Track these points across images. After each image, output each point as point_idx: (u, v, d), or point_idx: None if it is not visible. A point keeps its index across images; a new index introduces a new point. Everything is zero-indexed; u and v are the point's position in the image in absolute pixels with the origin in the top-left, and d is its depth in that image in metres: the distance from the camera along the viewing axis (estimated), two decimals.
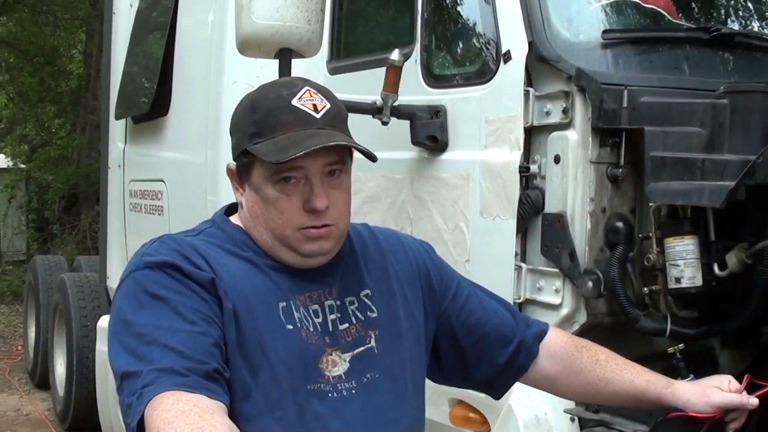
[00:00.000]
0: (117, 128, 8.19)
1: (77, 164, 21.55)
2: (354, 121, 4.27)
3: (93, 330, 8.03)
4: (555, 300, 3.56)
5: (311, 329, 2.34)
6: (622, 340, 3.54)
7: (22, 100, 23.83)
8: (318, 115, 2.29)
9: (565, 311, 3.54)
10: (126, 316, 2.21)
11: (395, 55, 3.84)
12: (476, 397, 3.96)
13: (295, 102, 2.29)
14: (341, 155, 2.34)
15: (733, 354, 3.59)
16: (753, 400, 2.62)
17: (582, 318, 3.50)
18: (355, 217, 4.27)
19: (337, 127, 2.33)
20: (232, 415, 2.15)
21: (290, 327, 2.30)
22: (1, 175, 22.72)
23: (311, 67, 4.81)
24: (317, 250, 2.36)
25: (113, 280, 7.73)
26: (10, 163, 24.70)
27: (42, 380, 10.44)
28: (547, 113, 3.58)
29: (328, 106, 2.33)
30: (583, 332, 3.47)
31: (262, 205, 2.33)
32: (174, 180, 6.76)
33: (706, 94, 3.47)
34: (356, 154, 2.40)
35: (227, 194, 2.61)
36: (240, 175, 2.39)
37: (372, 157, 2.39)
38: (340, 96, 4.02)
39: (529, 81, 3.66)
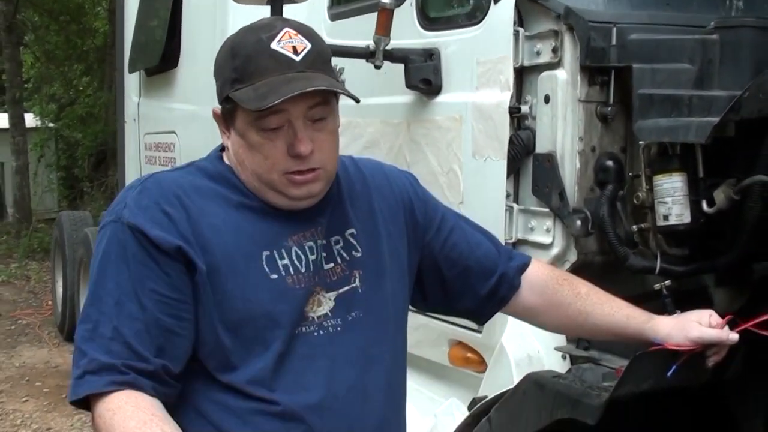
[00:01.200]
0: (131, 82, 8.26)
1: (105, 121, 21.66)
2: (352, 66, 4.32)
3: None
4: (546, 239, 3.57)
5: (303, 270, 2.36)
6: (614, 279, 3.52)
7: (48, 60, 23.92)
8: (298, 58, 2.27)
9: (556, 250, 3.54)
10: (98, 268, 2.28)
11: None
12: (473, 337, 3.99)
13: (274, 45, 2.26)
14: (324, 97, 2.31)
15: (728, 292, 3.56)
16: (733, 336, 2.62)
17: (573, 257, 3.50)
18: None
19: (318, 68, 2.30)
20: (213, 373, 2.27)
21: (274, 276, 2.32)
22: (30, 134, 22.81)
23: (312, 14, 4.84)
24: (305, 194, 2.35)
25: None
26: (39, 123, 24.83)
27: (70, 333, 10.49)
28: (537, 53, 3.56)
29: (309, 47, 2.30)
30: (575, 272, 3.45)
31: (248, 150, 2.32)
32: (185, 132, 6.81)
33: (696, 30, 3.44)
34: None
35: None
36: (225, 119, 2.38)
37: (354, 98, 2.40)
38: (341, 41, 4.07)
39: (521, 21, 3.63)
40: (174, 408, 2.24)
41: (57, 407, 8.69)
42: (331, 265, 2.43)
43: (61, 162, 25.94)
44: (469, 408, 3.48)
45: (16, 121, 21.16)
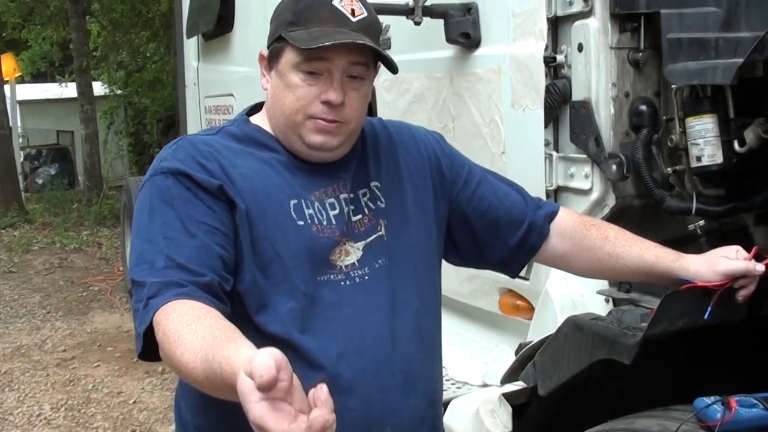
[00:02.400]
0: (190, 47, 8.39)
1: (172, 86, 21.78)
2: (396, 23, 4.40)
3: None
4: (585, 185, 3.63)
5: (324, 223, 2.48)
6: (654, 222, 3.60)
7: (114, 28, 24.07)
8: (354, 19, 2.43)
9: (595, 195, 3.60)
10: (142, 220, 2.38)
11: None
12: (522, 285, 4.08)
13: (336, 2, 2.43)
14: (366, 60, 2.47)
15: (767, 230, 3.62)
16: (760, 267, 2.68)
17: (611, 201, 3.56)
18: (404, 116, 4.42)
19: (368, 35, 2.44)
20: (248, 313, 2.36)
21: (301, 223, 2.44)
22: (99, 102, 23.05)
23: None
24: (322, 143, 2.48)
25: None
26: (107, 90, 25.04)
27: None
28: (570, 3, 3.61)
29: (365, 14, 2.47)
30: (614, 216, 3.55)
31: (284, 90, 2.45)
32: (243, 94, 6.93)
33: None
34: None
35: None
36: (270, 60, 2.52)
37: (394, 68, 2.54)
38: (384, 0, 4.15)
39: None
40: None
41: (128, 371, 8.93)
42: (359, 216, 2.56)
43: (130, 129, 26.22)
44: (516, 353, 3.56)
45: (85, 89, 21.40)
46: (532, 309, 4.06)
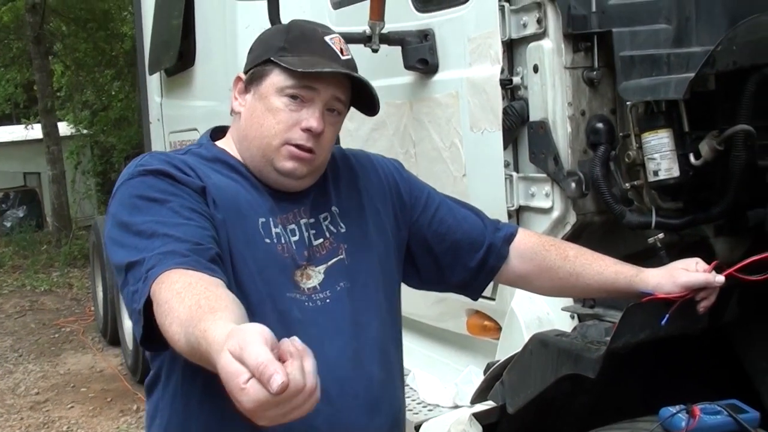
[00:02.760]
0: (153, 83, 8.40)
1: (138, 124, 21.75)
2: (356, 51, 4.43)
3: None
4: (546, 204, 3.67)
5: (288, 245, 2.51)
6: (616, 237, 3.65)
7: (78, 67, 24.03)
8: (343, 57, 2.52)
9: (556, 214, 3.65)
10: (123, 219, 2.32)
11: None
12: (488, 305, 4.12)
13: (326, 39, 2.52)
14: (345, 97, 2.57)
15: (727, 241, 3.66)
16: (719, 278, 2.73)
17: (572, 218, 3.61)
18: (366, 143, 4.46)
19: (356, 74, 2.55)
20: None
21: (268, 240, 2.48)
22: (65, 142, 22.97)
23: (315, 3, 4.97)
24: (292, 170, 2.52)
25: None
26: (73, 130, 24.96)
27: (113, 336, 10.73)
28: (524, 25, 3.67)
29: (350, 56, 2.58)
30: (576, 233, 3.59)
31: (263, 112, 2.50)
32: (206, 128, 6.87)
33: None
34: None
35: None
36: (249, 83, 2.56)
37: (375, 109, 2.70)
38: (343, 28, 4.20)
39: None
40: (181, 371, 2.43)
41: (102, 411, 8.87)
42: (321, 240, 2.59)
43: (97, 168, 26.11)
44: (485, 373, 3.59)
45: (50, 130, 21.32)
46: (499, 329, 4.09)
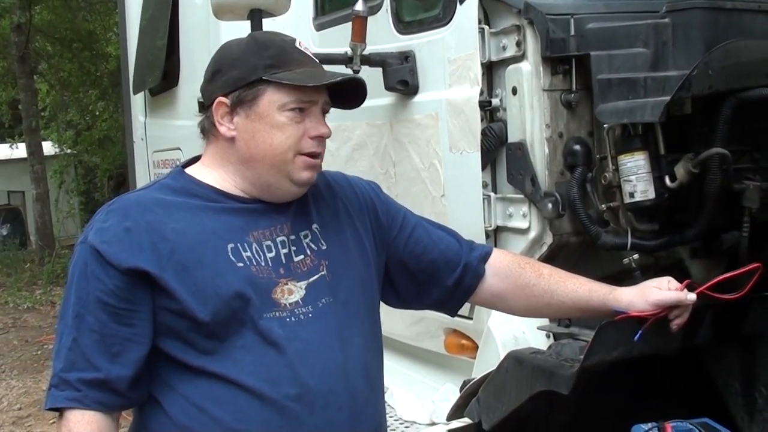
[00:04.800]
0: (137, 103, 8.39)
1: (122, 143, 21.76)
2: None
3: None
4: (523, 225, 3.71)
5: (263, 264, 2.54)
6: (592, 258, 3.69)
7: (63, 87, 24.06)
8: (317, 60, 2.62)
9: (533, 234, 3.68)
10: (68, 283, 2.52)
11: (359, 5, 4.01)
12: (466, 324, 4.15)
13: (297, 46, 2.60)
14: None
15: (703, 263, 3.70)
16: (691, 296, 2.78)
17: (549, 239, 3.64)
18: (347, 163, 4.49)
19: None
20: (198, 357, 2.46)
21: (240, 265, 2.50)
22: (49, 161, 22.99)
23: (300, 25, 5.01)
24: (309, 179, 2.61)
25: None
26: (57, 150, 24.97)
27: None
28: (504, 48, 3.72)
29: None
30: (552, 253, 3.63)
31: (269, 131, 2.53)
32: (190, 147, 6.89)
33: (649, 15, 3.58)
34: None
35: None
36: (235, 107, 2.56)
37: (358, 103, 2.76)
38: (327, 50, 4.24)
39: (486, 19, 3.79)
40: (164, 397, 2.49)
41: None
42: (302, 256, 2.62)
43: (81, 187, 26.14)
44: (461, 390, 3.62)
45: (34, 149, 21.37)
46: (476, 347, 4.12)
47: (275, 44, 2.58)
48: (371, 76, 4.22)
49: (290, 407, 2.45)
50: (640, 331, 2.77)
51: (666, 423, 2.73)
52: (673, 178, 3.33)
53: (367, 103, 4.42)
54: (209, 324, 2.43)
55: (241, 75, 2.54)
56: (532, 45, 3.59)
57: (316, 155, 2.57)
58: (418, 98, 4.24)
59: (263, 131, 2.53)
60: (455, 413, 3.52)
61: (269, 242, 2.58)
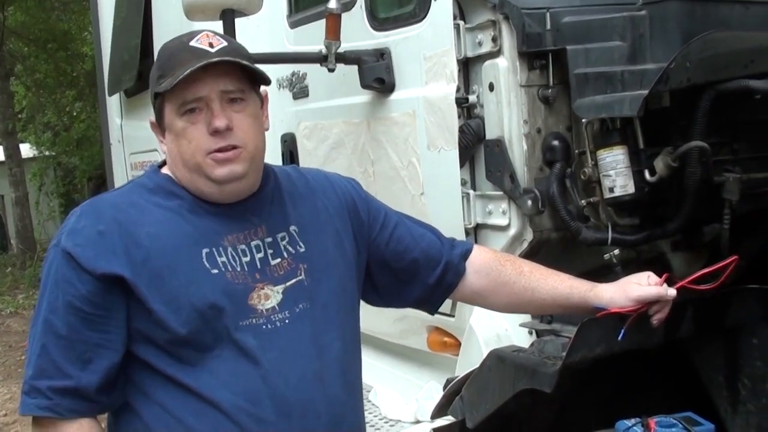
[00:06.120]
0: (113, 104, 8.33)
1: (101, 144, 21.65)
2: (314, 71, 4.46)
3: None
4: (503, 222, 3.69)
5: (238, 270, 2.51)
6: (573, 254, 3.67)
7: (39, 88, 23.94)
8: (213, 50, 2.48)
9: (513, 231, 3.67)
10: (41, 287, 2.50)
11: (332, 3, 3.97)
12: (448, 322, 4.13)
13: (193, 43, 2.49)
14: (238, 83, 2.52)
15: (684, 256, 3.70)
16: (671, 291, 2.78)
17: (529, 236, 3.63)
18: (324, 162, 4.46)
19: (232, 56, 2.50)
20: (174, 366, 2.44)
21: (215, 271, 2.48)
22: (28, 164, 22.89)
23: (273, 23, 4.98)
24: (228, 174, 2.51)
25: None
26: (35, 152, 24.84)
27: None
28: (480, 44, 3.69)
29: (225, 44, 2.53)
30: (533, 250, 3.61)
31: (176, 139, 2.51)
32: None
33: (626, 8, 3.56)
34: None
35: None
36: (159, 123, 2.58)
37: (266, 80, 2.63)
38: (302, 48, 4.20)
39: (462, 14, 3.76)
40: (139, 405, 2.48)
41: None
42: (279, 260, 2.59)
43: (60, 189, 26.04)
44: (444, 388, 3.60)
45: (12, 152, 21.27)
46: (459, 345, 4.10)
47: (167, 51, 2.55)
48: (347, 75, 4.21)
49: (267, 420, 2.44)
50: (622, 330, 2.76)
51: (649, 418, 2.71)
52: (652, 172, 3.32)
53: (344, 101, 4.48)
54: (183, 334, 2.41)
55: (150, 94, 2.58)
56: (508, 40, 3.56)
57: (224, 149, 2.48)
58: (394, 96, 4.21)
59: (174, 141, 2.52)
60: (439, 411, 3.49)
61: (244, 246, 2.56)
